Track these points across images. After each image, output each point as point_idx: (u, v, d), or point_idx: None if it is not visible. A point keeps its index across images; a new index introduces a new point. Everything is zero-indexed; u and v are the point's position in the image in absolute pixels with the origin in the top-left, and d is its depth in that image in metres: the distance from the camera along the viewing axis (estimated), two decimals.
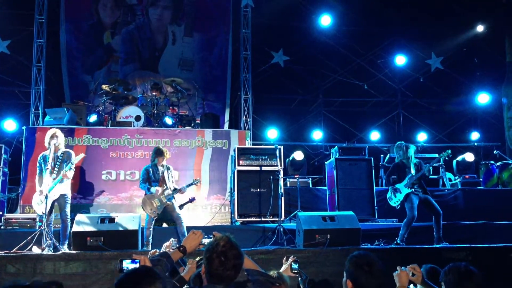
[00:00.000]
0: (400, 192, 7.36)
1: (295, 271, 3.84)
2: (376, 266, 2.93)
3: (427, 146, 12.74)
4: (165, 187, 7.30)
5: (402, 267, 3.35)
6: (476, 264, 3.16)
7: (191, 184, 7.40)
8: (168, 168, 7.52)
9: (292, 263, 3.87)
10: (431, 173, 8.01)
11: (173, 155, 8.83)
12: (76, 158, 7.03)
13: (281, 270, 3.87)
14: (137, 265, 3.01)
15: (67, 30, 11.79)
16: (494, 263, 6.17)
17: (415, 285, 3.46)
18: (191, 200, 7.44)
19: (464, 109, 13.50)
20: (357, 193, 8.97)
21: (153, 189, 7.29)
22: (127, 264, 3.07)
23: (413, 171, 7.36)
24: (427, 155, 10.84)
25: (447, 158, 7.99)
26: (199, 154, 9.15)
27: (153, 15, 12.21)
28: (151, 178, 7.38)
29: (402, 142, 7.84)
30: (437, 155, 10.50)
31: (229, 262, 2.65)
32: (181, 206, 7.38)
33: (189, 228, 7.62)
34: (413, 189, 7.30)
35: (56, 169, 6.82)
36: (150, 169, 7.46)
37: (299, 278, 3.97)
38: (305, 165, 11.06)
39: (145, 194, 7.45)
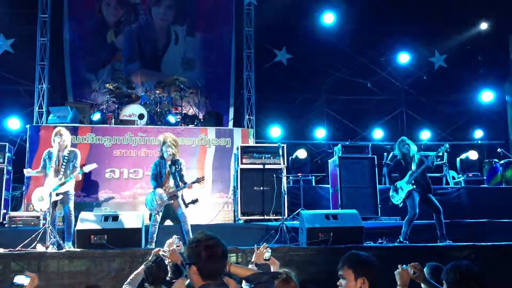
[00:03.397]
0: (402, 190, 7.35)
1: (267, 259, 3.87)
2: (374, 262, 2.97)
3: (430, 144, 12.71)
4: (169, 184, 7.23)
5: (403, 266, 3.36)
6: (479, 262, 3.17)
7: (196, 181, 7.25)
8: (175, 163, 7.24)
9: (266, 251, 3.90)
10: (434, 164, 7.94)
11: None
12: (87, 167, 7.11)
13: (252, 259, 3.90)
14: (28, 280, 2.97)
15: (70, 28, 11.82)
16: (497, 261, 6.16)
17: None
18: (194, 201, 7.34)
19: (468, 107, 13.46)
20: (360, 191, 8.97)
21: (157, 191, 7.19)
22: (19, 279, 3.03)
23: (413, 167, 7.35)
24: (430, 153, 10.81)
25: (446, 152, 7.93)
26: (202, 152, 9.16)
27: (156, 15, 12.23)
28: (158, 174, 7.23)
29: (405, 137, 7.78)
30: (440, 153, 10.53)
31: (216, 251, 2.68)
32: (186, 205, 7.34)
33: (192, 227, 7.65)
34: (414, 186, 7.29)
35: (62, 168, 6.86)
36: (158, 164, 7.25)
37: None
38: (308, 163, 11.07)
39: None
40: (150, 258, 4.55)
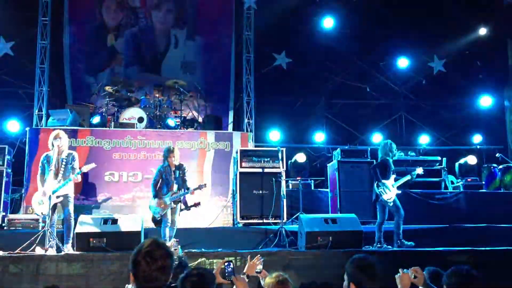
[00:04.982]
0: (390, 190, 7.34)
1: (258, 271, 3.87)
2: (377, 268, 2.96)
3: (429, 149, 12.73)
4: (174, 189, 7.27)
5: (404, 270, 3.37)
6: (478, 267, 3.18)
7: (198, 188, 7.31)
8: (179, 168, 7.35)
9: (259, 263, 3.89)
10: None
11: None
12: (86, 167, 7.11)
13: (244, 270, 3.89)
14: None
15: (70, 32, 11.82)
16: (496, 266, 6.16)
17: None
18: (196, 204, 7.38)
19: (467, 112, 13.49)
20: (359, 195, 8.98)
21: (156, 201, 7.28)
22: None
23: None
24: (429, 158, 10.86)
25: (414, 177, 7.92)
26: (202, 156, 9.17)
27: (156, 18, 12.24)
28: (164, 180, 7.28)
29: (390, 141, 7.82)
30: (439, 158, 10.58)
31: (155, 263, 2.48)
32: (188, 208, 7.36)
33: (191, 230, 7.66)
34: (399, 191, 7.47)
35: (61, 171, 6.85)
36: (163, 170, 7.31)
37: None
38: (307, 167, 11.08)
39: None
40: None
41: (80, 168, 7.03)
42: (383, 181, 7.38)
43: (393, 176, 7.50)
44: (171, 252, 2.62)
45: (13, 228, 7.64)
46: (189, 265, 4.64)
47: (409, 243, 7.17)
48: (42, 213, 6.84)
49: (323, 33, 12.83)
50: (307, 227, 6.81)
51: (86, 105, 10.56)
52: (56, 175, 6.85)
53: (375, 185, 7.47)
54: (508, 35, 13.06)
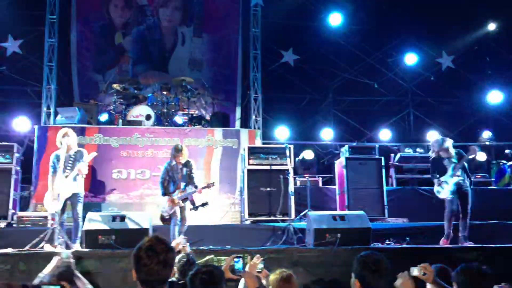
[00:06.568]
0: (447, 183, 7.35)
1: (259, 271, 3.88)
2: (383, 265, 2.93)
3: None
4: (181, 187, 7.27)
5: (412, 267, 3.33)
6: (487, 264, 3.15)
7: (206, 186, 7.32)
8: (186, 165, 7.32)
9: (259, 262, 3.90)
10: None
11: None
12: (88, 156, 7.10)
13: (246, 268, 3.89)
14: None
15: (78, 30, 11.88)
16: (505, 263, 6.12)
17: None
18: (204, 204, 7.36)
19: (476, 108, 13.39)
20: (367, 192, 8.95)
21: (166, 199, 7.25)
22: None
23: (454, 160, 7.42)
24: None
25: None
26: (209, 153, 9.17)
27: (163, 16, 12.27)
28: (171, 177, 7.28)
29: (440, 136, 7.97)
30: None
31: (157, 257, 2.50)
32: (196, 208, 7.34)
33: (199, 228, 7.65)
34: (459, 180, 7.35)
35: (69, 168, 6.88)
36: (169, 168, 7.29)
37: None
38: (315, 164, 11.04)
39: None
40: (181, 257, 4.49)
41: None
42: (441, 178, 7.40)
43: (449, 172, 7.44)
44: (172, 247, 2.64)
45: (22, 225, 7.69)
46: (197, 262, 4.64)
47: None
48: (55, 211, 6.86)
49: (331, 30, 12.79)
50: (315, 224, 6.79)
51: (94, 102, 10.59)
52: (65, 172, 6.88)
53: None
54: None
